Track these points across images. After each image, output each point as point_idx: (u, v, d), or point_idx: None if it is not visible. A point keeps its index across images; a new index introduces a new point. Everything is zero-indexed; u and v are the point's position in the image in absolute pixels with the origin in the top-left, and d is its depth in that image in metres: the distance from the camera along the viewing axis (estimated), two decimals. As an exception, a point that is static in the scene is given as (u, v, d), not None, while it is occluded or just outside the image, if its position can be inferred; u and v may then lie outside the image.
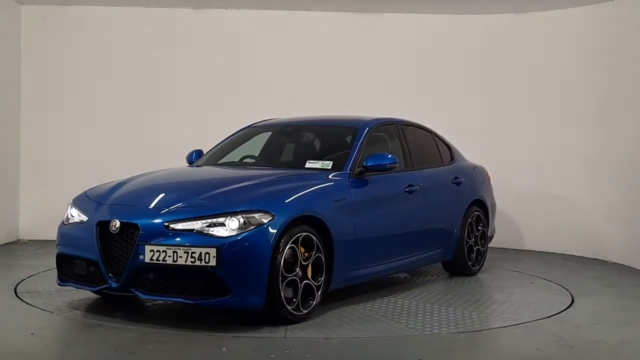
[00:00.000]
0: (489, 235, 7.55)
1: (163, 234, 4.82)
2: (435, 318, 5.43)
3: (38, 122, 9.12)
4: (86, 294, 5.71)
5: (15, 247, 8.53)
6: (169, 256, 4.75)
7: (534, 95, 9.12)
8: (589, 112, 8.65)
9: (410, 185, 6.29)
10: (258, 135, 6.82)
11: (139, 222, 4.91)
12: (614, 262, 8.29)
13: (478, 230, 7.27)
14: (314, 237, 5.15)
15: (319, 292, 5.22)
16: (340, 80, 9.24)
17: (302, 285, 5.06)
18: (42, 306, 5.49)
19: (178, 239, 4.78)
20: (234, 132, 7.01)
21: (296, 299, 5.02)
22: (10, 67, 8.93)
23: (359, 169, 5.82)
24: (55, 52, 9.17)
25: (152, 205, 5.07)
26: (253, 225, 4.84)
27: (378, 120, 6.50)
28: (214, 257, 4.70)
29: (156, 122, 9.14)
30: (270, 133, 6.81)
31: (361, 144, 6.03)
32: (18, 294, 5.89)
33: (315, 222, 5.21)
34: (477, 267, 7.27)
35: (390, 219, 6.05)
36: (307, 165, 5.95)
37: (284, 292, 4.93)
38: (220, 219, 4.83)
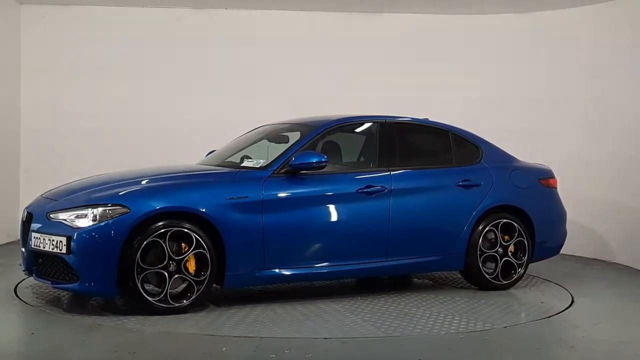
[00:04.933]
0: (547, 245, 6.80)
1: (44, 223, 5.35)
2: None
3: (38, 122, 9.12)
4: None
5: (15, 247, 8.50)
6: (41, 243, 5.30)
7: (534, 95, 9.12)
8: (589, 112, 8.65)
9: (369, 186, 5.98)
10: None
11: (33, 212, 5.53)
12: (614, 262, 8.29)
13: (507, 240, 6.51)
14: (192, 233, 5.25)
15: (201, 288, 5.31)
16: (340, 80, 9.24)
17: (173, 279, 5.23)
18: (42, 306, 5.49)
19: (49, 228, 5.28)
20: (245, 132, 7.05)
21: (163, 291, 5.21)
22: (10, 67, 8.93)
23: (285, 168, 5.76)
24: (55, 52, 9.17)
25: (51, 197, 5.64)
26: (107, 218, 5.14)
27: (341, 120, 6.31)
28: (64, 245, 5.13)
29: (156, 122, 9.14)
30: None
31: (304, 143, 5.94)
32: (18, 294, 5.90)
33: (197, 218, 5.31)
34: (506, 281, 6.49)
35: (328, 220, 5.84)
36: (244, 163, 6.07)
37: (162, 285, 5.21)
38: (85, 211, 5.21)
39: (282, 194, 5.67)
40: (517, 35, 9.22)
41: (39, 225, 5.38)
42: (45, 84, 9.15)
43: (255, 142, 6.63)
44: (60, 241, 5.16)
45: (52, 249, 5.22)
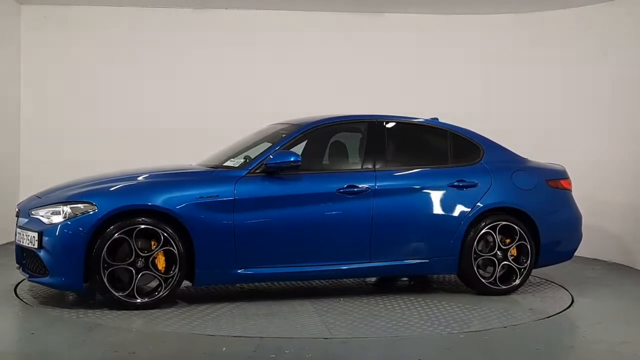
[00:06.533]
0: (557, 249, 6.55)
1: (26, 220, 5.57)
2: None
3: (38, 122, 9.12)
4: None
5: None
6: (22, 238, 5.56)
7: (534, 95, 9.12)
8: (589, 112, 8.66)
9: (351, 186, 5.91)
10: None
11: (20, 208, 5.77)
12: (614, 262, 8.29)
13: (507, 243, 6.27)
14: (159, 231, 5.38)
15: (169, 284, 5.44)
16: (340, 80, 9.23)
17: (139, 275, 5.37)
18: (42, 306, 5.50)
19: (28, 224, 5.52)
20: (249, 132, 7.02)
21: (133, 287, 5.36)
22: (10, 67, 8.93)
23: (261, 168, 5.78)
24: (55, 52, 9.17)
25: (38, 195, 5.83)
26: (75, 215, 5.34)
27: (327, 120, 6.30)
28: (36, 240, 5.36)
29: (156, 122, 9.14)
30: None
31: (284, 143, 5.96)
32: (18, 294, 5.90)
33: (165, 217, 5.44)
34: (505, 286, 6.24)
35: (303, 220, 5.78)
36: (226, 163, 6.12)
37: (133, 281, 5.35)
38: (58, 208, 5.42)
39: (255, 194, 5.70)
40: (517, 35, 9.22)
41: (22, 221, 5.61)
42: (45, 84, 9.14)
43: (256, 142, 6.63)
44: (33, 236, 5.40)
45: (28, 244, 5.47)
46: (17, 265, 5.78)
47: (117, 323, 5.03)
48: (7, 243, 8.66)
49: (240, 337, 4.77)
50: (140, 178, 5.74)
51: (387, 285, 6.85)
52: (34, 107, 9.12)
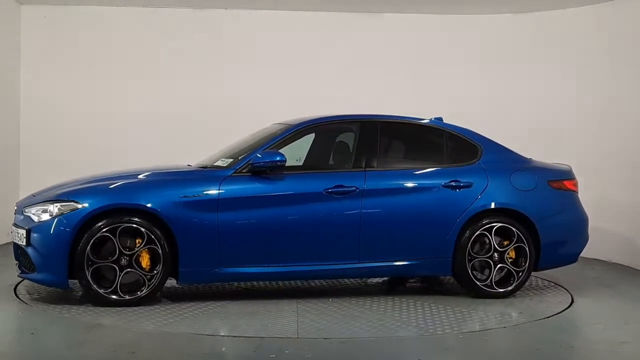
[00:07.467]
0: (560, 252, 6.41)
1: (20, 217, 5.72)
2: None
3: (38, 122, 9.13)
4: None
5: (15, 247, 8.51)
6: (15, 235, 5.70)
7: (534, 95, 9.12)
8: (588, 112, 8.66)
9: (339, 186, 5.88)
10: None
11: (17, 206, 5.90)
12: (614, 262, 8.29)
13: (504, 245, 6.13)
14: (142, 229, 5.46)
15: (152, 283, 5.50)
16: (340, 80, 9.24)
17: (123, 273, 5.44)
18: (42, 306, 5.50)
19: (20, 222, 5.67)
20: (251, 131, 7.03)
21: (116, 284, 5.45)
22: (10, 67, 8.93)
23: (247, 168, 5.80)
24: (55, 52, 9.17)
25: (35, 194, 5.95)
26: (60, 213, 5.46)
27: (318, 120, 6.33)
28: (25, 237, 5.51)
29: (156, 123, 9.14)
30: None
31: (272, 143, 5.98)
32: (18, 294, 5.91)
33: (149, 215, 5.51)
34: (502, 289, 6.10)
35: (289, 220, 5.79)
36: (216, 163, 6.13)
37: (117, 278, 5.44)
38: (46, 207, 5.55)
39: (240, 193, 5.73)
40: (517, 35, 9.22)
41: (18, 219, 5.76)
42: (45, 84, 9.14)
43: (256, 142, 6.62)
44: (22, 234, 5.55)
45: (18, 241, 5.63)
46: (16, 261, 5.86)
47: (117, 323, 5.03)
48: (7, 243, 8.67)
49: (240, 337, 4.77)
50: (130, 178, 5.81)
51: (389, 286, 6.85)
52: (33, 106, 9.12)
